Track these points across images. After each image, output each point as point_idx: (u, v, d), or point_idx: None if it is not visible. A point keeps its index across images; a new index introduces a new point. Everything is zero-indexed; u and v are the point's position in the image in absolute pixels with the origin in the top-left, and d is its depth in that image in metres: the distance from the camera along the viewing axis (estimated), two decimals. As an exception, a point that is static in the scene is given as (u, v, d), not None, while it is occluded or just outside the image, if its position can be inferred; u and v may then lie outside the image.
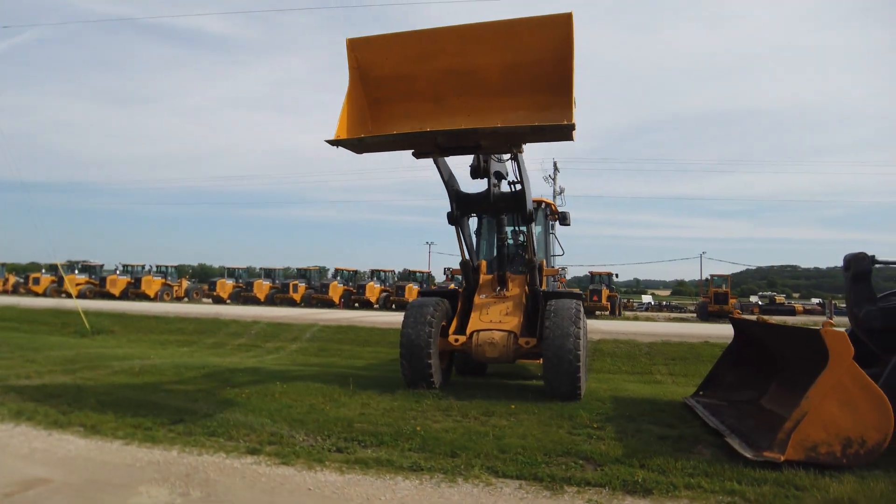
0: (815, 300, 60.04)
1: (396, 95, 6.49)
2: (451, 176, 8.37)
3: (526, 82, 6.14)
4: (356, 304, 38.27)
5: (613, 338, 15.12)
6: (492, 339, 8.00)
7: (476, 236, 10.43)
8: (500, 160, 8.28)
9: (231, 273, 41.39)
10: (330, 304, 37.08)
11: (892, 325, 5.68)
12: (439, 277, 43.78)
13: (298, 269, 43.33)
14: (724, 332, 18.67)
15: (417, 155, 6.63)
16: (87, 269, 39.73)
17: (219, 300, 38.46)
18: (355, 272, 42.45)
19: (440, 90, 6.37)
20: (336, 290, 38.21)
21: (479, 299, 8.72)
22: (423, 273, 43.09)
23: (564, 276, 9.91)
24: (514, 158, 7.66)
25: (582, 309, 7.95)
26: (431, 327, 7.92)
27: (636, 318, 33.45)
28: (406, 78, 6.35)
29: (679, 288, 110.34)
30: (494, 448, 5.32)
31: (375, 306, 38.50)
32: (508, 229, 10.15)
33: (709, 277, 43.22)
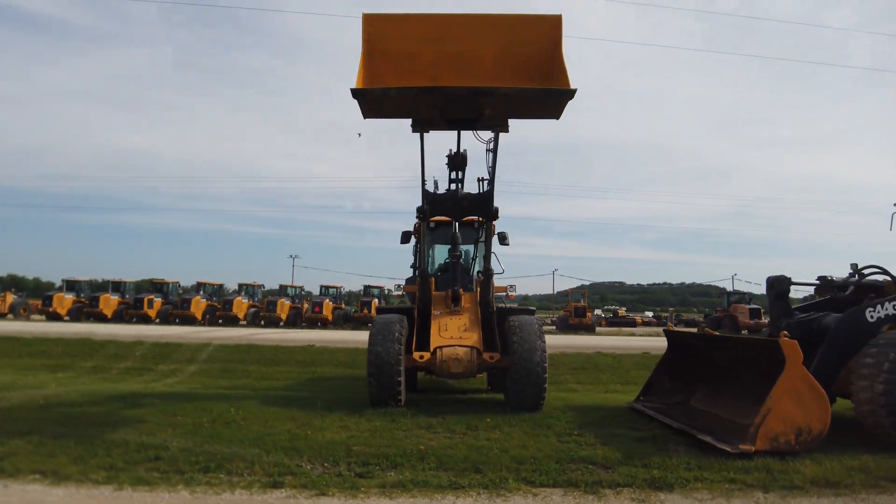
0: (648, 313, 68.59)
1: (398, 72, 6.82)
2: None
3: (518, 70, 6.87)
4: (220, 321, 35.58)
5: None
6: (456, 354, 8.17)
7: (419, 253, 10.57)
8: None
9: (71, 286, 35.92)
10: (191, 321, 34.00)
11: (806, 336, 6.97)
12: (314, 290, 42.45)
13: (153, 282, 39.02)
14: (603, 343, 20.80)
15: (419, 126, 7.11)
16: None
17: (55, 317, 33.14)
18: (220, 286, 39.49)
19: (439, 71, 6.82)
20: (199, 306, 35.20)
21: (435, 315, 8.85)
22: (295, 288, 41.49)
23: (513, 293, 10.44)
24: (492, 150, 7.96)
25: (542, 324, 8.50)
26: (400, 344, 7.90)
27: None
28: (410, 55, 6.84)
29: (523, 303, 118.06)
30: (509, 460, 5.53)
31: (242, 322, 36.16)
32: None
33: (567, 292, 47.30)
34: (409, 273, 11.17)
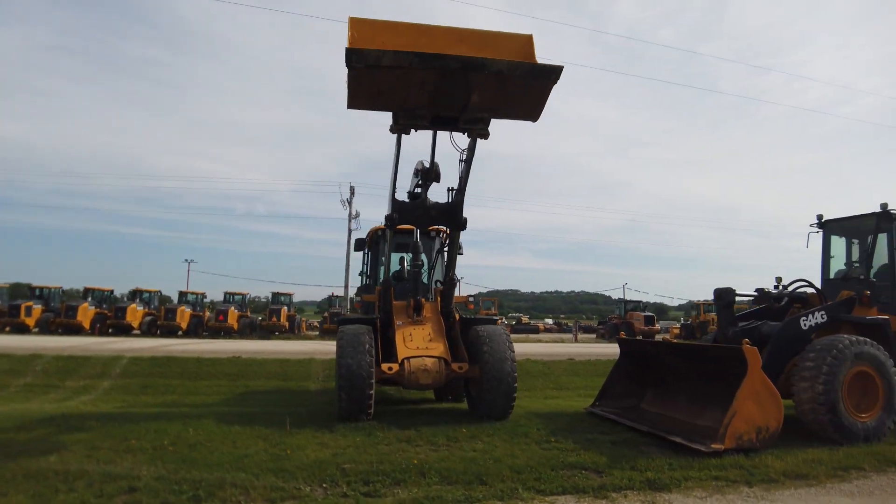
0: (548, 320, 71.79)
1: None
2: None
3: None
4: (111, 330, 32.44)
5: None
6: (424, 365, 8.09)
7: (374, 263, 10.38)
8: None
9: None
10: (78, 331, 30.70)
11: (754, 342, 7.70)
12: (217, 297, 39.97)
13: (31, 287, 34.65)
14: (524, 350, 21.46)
15: (401, 124, 7.03)
16: None
17: None
18: (111, 292, 35.98)
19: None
20: (87, 314, 31.87)
21: (398, 326, 8.71)
22: (196, 294, 38.82)
23: (472, 303, 10.41)
24: (467, 160, 7.97)
25: (509, 334, 8.65)
26: (371, 356, 7.69)
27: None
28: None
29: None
30: (508, 470, 5.58)
31: (136, 332, 33.22)
32: (402, 255, 10.40)
33: (471, 298, 48.19)
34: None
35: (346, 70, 7.17)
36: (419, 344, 8.44)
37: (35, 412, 8.36)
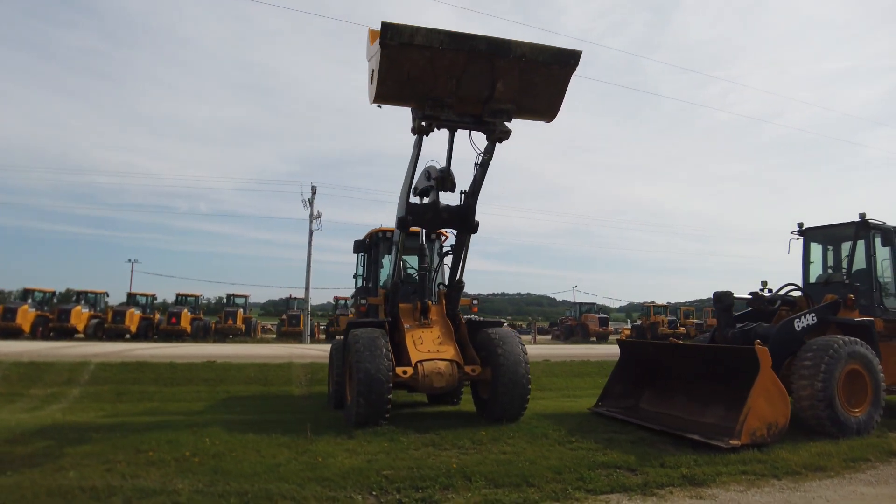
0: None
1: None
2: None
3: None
4: (52, 333, 30.45)
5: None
6: (438, 368, 8.07)
7: (374, 265, 10.24)
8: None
9: None
10: (17, 333, 28.63)
11: (747, 341, 8.12)
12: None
13: (-41, 289, 31.99)
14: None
15: (426, 116, 7.01)
16: None
17: None
18: (53, 294, 33.77)
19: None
20: (27, 316, 29.73)
21: (406, 329, 8.64)
22: (146, 296, 37.08)
23: (476, 306, 10.42)
24: (483, 164, 8.01)
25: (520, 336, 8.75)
26: (388, 360, 7.61)
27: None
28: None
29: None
30: (548, 471, 5.67)
31: (79, 335, 31.33)
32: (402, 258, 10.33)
33: None
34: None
35: (369, 68, 7.13)
36: (430, 347, 8.41)
37: (16, 423, 7.77)
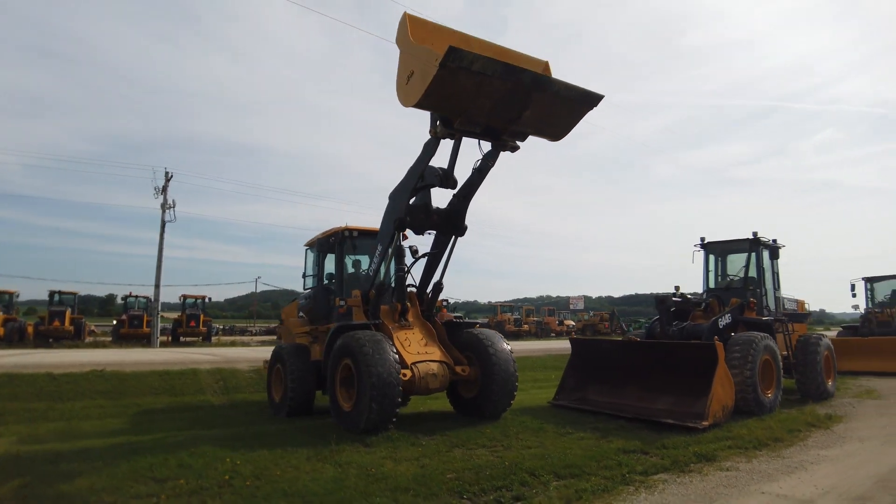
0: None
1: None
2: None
3: None
4: None
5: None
6: (432, 370, 8.17)
7: (339, 265, 9.88)
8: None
9: None
10: None
11: (685, 337, 9.62)
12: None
13: None
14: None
15: (456, 130, 7.37)
16: None
17: None
18: None
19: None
20: None
21: (392, 331, 8.56)
22: (70, 294, 30.96)
23: (446, 307, 10.25)
24: (482, 169, 8.23)
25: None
26: (397, 363, 7.54)
27: (233, 344, 30.00)
28: None
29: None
30: (586, 460, 6.21)
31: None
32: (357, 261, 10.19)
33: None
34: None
35: (406, 63, 7.16)
36: (418, 349, 8.47)
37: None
